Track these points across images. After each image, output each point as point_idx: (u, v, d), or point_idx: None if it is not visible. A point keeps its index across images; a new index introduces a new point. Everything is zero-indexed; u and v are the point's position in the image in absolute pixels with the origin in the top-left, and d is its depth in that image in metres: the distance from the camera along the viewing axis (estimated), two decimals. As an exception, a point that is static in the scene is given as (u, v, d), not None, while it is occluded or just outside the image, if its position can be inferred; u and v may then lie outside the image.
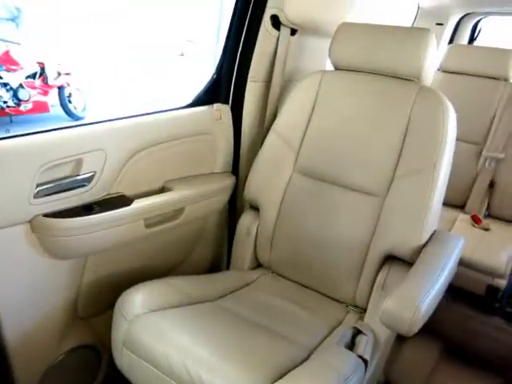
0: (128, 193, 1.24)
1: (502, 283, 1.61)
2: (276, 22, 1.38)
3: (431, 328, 1.59)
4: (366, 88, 1.31)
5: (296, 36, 1.46)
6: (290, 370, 0.97)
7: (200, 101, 1.43)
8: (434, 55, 1.25)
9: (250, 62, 1.41)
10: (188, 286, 1.23)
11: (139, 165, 1.25)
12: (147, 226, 1.26)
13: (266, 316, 1.19)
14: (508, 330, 1.69)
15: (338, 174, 1.30)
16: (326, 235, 1.31)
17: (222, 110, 1.46)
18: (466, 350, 1.72)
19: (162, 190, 1.33)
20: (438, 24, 2.63)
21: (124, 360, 1.08)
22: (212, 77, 1.47)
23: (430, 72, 1.26)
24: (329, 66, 1.43)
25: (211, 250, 1.62)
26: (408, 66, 1.24)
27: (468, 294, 1.67)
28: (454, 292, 1.67)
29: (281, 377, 0.95)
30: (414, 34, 1.24)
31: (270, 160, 1.39)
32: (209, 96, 1.45)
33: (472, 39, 2.89)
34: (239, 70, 1.44)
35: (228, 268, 1.50)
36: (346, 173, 1.29)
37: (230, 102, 1.49)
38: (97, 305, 1.30)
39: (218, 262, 1.68)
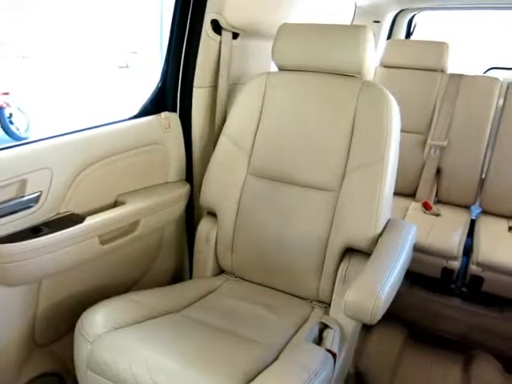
0: (79, 210, 1.20)
1: (456, 265, 1.68)
2: (217, 26, 1.38)
3: (394, 315, 1.65)
4: (311, 86, 1.33)
5: (238, 39, 1.47)
6: (259, 373, 0.97)
7: (147, 110, 1.41)
8: (373, 51, 1.29)
9: (194, 68, 1.41)
10: (151, 300, 1.20)
11: (89, 180, 1.21)
12: (102, 242, 1.22)
13: (232, 321, 1.18)
14: (465, 308, 1.77)
15: (292, 172, 1.32)
16: (285, 234, 1.32)
17: (171, 119, 1.44)
18: (428, 333, 1.79)
19: (115, 205, 1.30)
20: (375, 22, 2.72)
21: (89, 383, 1.04)
22: (157, 85, 1.45)
23: (370, 67, 1.30)
24: (274, 68, 1.44)
25: (172, 260, 1.60)
26: (349, 62, 1.27)
27: (425, 278, 1.73)
28: (413, 277, 1.73)
29: (250, 380, 0.94)
30: (353, 32, 1.28)
31: (223, 164, 1.39)
32: (155, 105, 1.43)
33: (409, 34, 3.02)
34: (184, 76, 1.43)
35: (191, 277, 1.48)
36: (299, 171, 1.31)
37: (178, 109, 1.47)
38: (56, 329, 1.24)
39: (181, 271, 1.65)
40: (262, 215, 1.35)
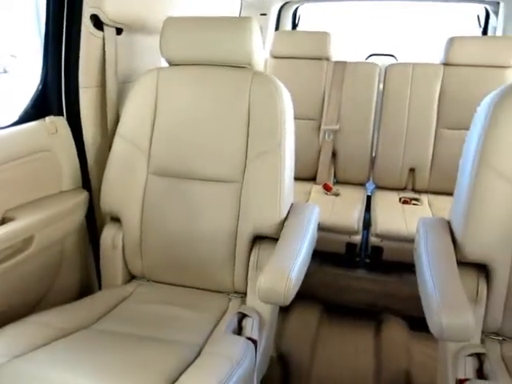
0: None
1: (358, 239, 1.81)
2: (98, 22, 1.31)
3: (308, 294, 1.72)
4: (204, 80, 1.33)
5: (123, 35, 1.41)
6: (183, 372, 0.96)
7: (28, 116, 1.30)
8: (260, 41, 1.32)
9: (78, 67, 1.32)
10: (58, 319, 1.12)
11: None
12: None
13: (149, 326, 1.15)
14: (370, 278, 1.91)
15: (194, 168, 1.31)
16: (194, 231, 1.31)
17: (57, 123, 1.34)
18: (341, 306, 1.90)
19: (3, 221, 1.18)
20: (262, 14, 2.79)
21: None
22: (37, 88, 1.34)
23: (260, 58, 1.33)
24: (165, 63, 1.41)
25: (77, 273, 1.50)
26: (238, 53, 1.29)
27: (332, 254, 1.84)
28: (321, 256, 1.82)
29: (174, 381, 0.93)
30: (239, 23, 1.29)
31: (121, 166, 1.33)
32: (38, 110, 1.32)
33: (294, 25, 3.15)
34: (67, 77, 1.33)
35: (100, 288, 1.41)
36: (201, 166, 1.30)
37: (65, 112, 1.37)
38: None
39: (89, 283, 1.56)
40: (169, 214, 1.32)
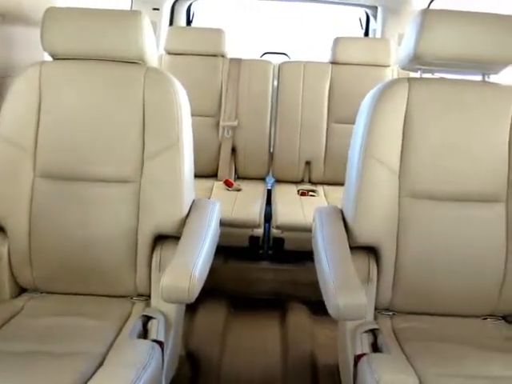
0: None
1: (260, 232, 1.86)
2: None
3: (215, 290, 1.73)
4: (93, 76, 1.26)
5: (1, 25, 1.28)
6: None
7: None
8: (152, 36, 1.29)
9: None
10: None
11: None
12: None
13: (45, 341, 1.07)
14: (274, 268, 1.98)
15: (86, 169, 1.24)
16: (90, 235, 1.24)
17: None
18: (248, 299, 1.94)
19: None
20: (154, 9, 2.72)
21: None
22: None
23: (152, 53, 1.29)
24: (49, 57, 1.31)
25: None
26: (128, 48, 1.24)
27: (236, 249, 1.87)
28: (225, 251, 1.84)
29: None
30: (128, 17, 1.25)
31: (2, 170, 1.21)
32: None
33: (189, 22, 3.12)
34: None
35: None
36: (93, 166, 1.24)
37: None
38: None
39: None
40: (61, 219, 1.24)
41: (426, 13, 1.18)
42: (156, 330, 1.12)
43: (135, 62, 1.27)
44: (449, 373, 1.01)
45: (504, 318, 1.25)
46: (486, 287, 1.22)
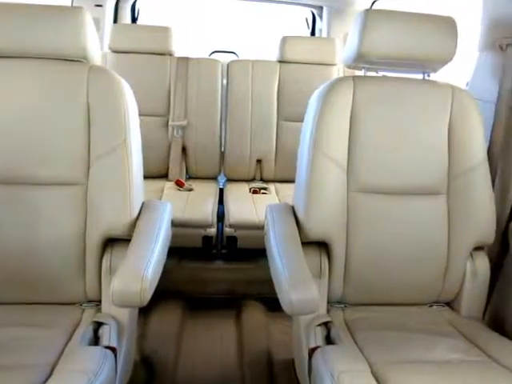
0: None
1: (213, 231, 1.86)
2: None
3: (168, 292, 1.70)
4: (32, 74, 1.20)
5: None
6: None
7: None
8: (95, 33, 1.25)
9: None
10: None
11: None
12: None
13: None
14: (228, 267, 1.98)
15: (26, 172, 1.18)
16: (34, 241, 1.19)
17: None
18: (203, 299, 1.93)
19: None
20: (97, 5, 2.63)
21: None
22: None
23: (95, 51, 1.25)
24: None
25: None
26: (69, 46, 1.19)
27: (190, 249, 1.85)
28: (179, 252, 1.82)
29: None
30: (68, 13, 1.20)
31: None
32: None
33: (134, 19, 3.04)
34: None
35: None
36: (34, 170, 1.19)
37: None
38: None
39: None
40: (4, 226, 1.17)
41: (368, 13, 1.22)
42: (108, 335, 1.09)
43: (77, 60, 1.22)
44: (397, 359, 1.05)
45: (448, 304, 1.33)
46: (431, 276, 1.28)
